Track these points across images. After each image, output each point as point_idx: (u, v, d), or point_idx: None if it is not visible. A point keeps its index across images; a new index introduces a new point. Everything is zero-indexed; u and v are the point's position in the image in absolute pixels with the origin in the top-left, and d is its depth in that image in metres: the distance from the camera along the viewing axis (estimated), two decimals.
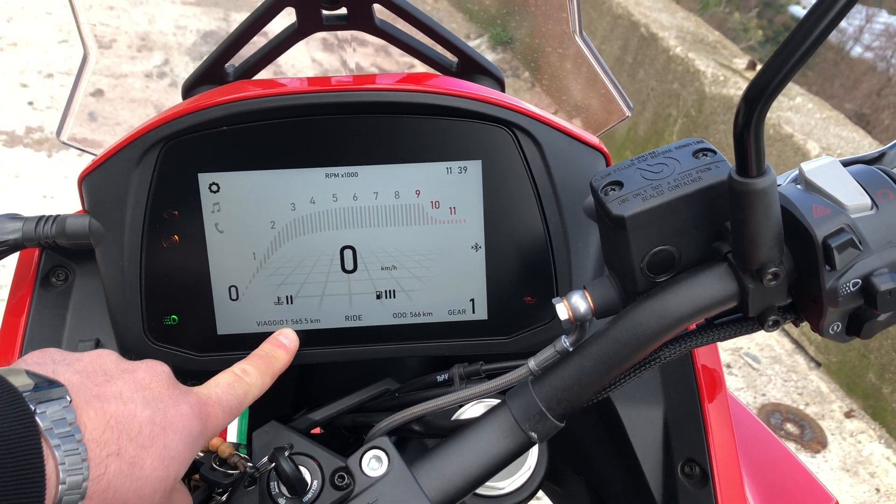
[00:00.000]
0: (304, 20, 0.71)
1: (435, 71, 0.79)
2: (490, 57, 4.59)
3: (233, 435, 0.76)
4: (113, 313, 0.70)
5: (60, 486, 0.43)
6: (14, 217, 0.71)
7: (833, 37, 6.65)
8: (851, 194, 0.52)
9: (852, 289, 0.50)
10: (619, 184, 0.55)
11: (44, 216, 0.70)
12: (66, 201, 3.05)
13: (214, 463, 0.67)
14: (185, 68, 3.78)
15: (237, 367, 0.61)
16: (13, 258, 0.75)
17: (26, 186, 3.12)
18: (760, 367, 2.89)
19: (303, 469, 0.67)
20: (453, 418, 0.71)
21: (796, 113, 3.23)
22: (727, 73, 3.49)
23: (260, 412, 0.72)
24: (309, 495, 0.62)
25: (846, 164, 0.57)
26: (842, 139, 3.07)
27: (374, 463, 0.58)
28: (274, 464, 0.65)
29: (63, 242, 0.70)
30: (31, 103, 3.58)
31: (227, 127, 0.66)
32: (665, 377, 0.73)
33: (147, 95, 3.60)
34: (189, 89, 0.76)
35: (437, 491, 0.57)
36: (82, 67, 0.78)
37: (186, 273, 0.69)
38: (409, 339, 0.72)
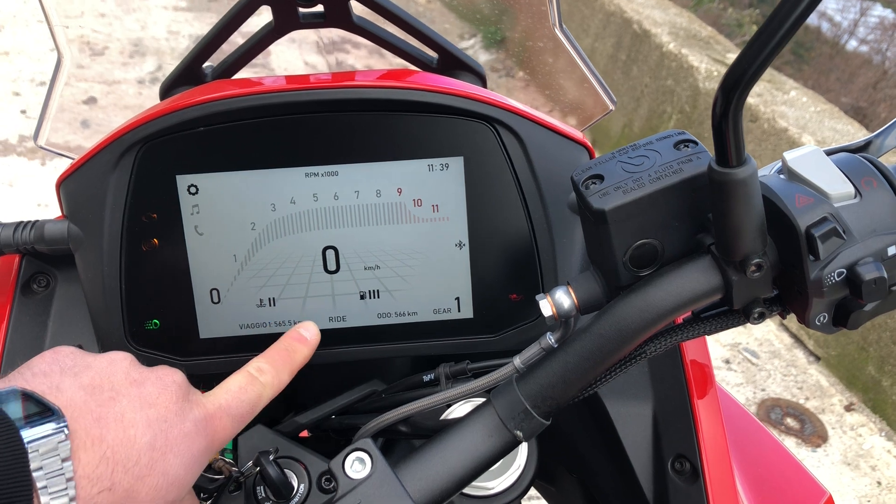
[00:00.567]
0: (281, 18, 0.71)
1: (415, 67, 0.78)
2: (483, 57, 4.59)
3: None
4: (94, 319, 0.70)
5: None
6: None
7: (828, 30, 6.64)
8: (835, 183, 0.51)
9: (837, 279, 0.50)
10: (600, 177, 0.54)
11: (22, 222, 0.69)
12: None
13: None
14: None
15: (252, 366, 0.60)
16: None
17: (21, 195, 3.11)
18: (759, 362, 2.88)
19: (289, 473, 0.66)
20: (441, 418, 0.70)
21: (791, 107, 3.22)
22: (721, 69, 3.49)
23: None
24: (295, 499, 0.61)
25: (830, 153, 0.56)
26: (837, 132, 3.06)
27: (357, 465, 0.57)
28: (259, 468, 0.64)
29: (42, 248, 0.69)
30: (23, 111, 3.58)
31: (205, 127, 0.65)
32: (654, 372, 0.73)
33: (140, 102, 3.60)
34: (167, 90, 0.75)
35: (421, 492, 0.56)
36: (56, 71, 0.77)
37: (167, 277, 0.68)
38: (394, 340, 0.71)
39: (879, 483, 2.46)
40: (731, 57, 3.66)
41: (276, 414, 0.80)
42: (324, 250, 0.69)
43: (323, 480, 0.64)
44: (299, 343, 0.64)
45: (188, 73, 0.74)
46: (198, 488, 0.65)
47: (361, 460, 0.58)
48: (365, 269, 0.69)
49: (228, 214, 0.67)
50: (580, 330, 0.55)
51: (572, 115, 0.87)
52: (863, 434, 2.62)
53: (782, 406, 2.70)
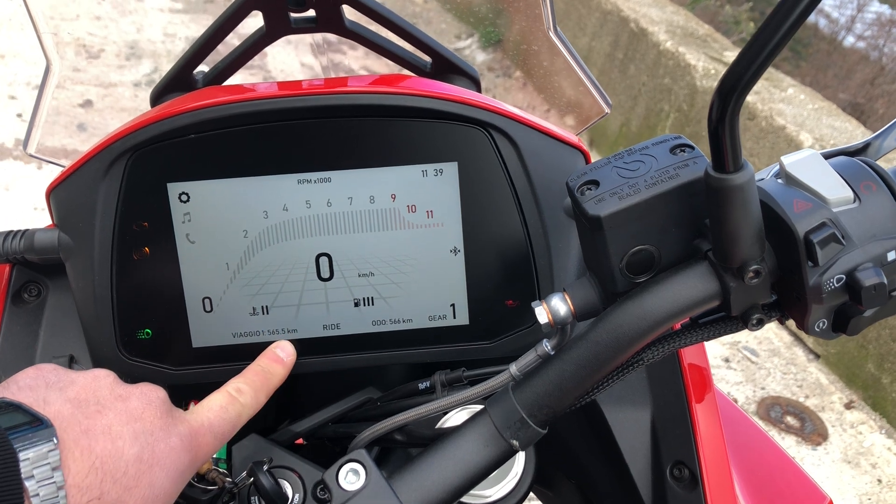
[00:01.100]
0: (272, 23, 0.70)
1: (409, 72, 0.78)
2: (481, 57, 4.59)
3: None
4: (86, 329, 0.69)
5: None
6: None
7: (825, 27, 6.64)
8: (833, 187, 0.50)
9: (836, 285, 0.49)
10: (596, 183, 0.53)
11: (12, 231, 0.69)
12: None
13: (193, 479, 0.65)
14: None
15: (231, 386, 0.60)
16: None
17: (17, 199, 3.10)
18: (759, 361, 2.88)
19: (283, 482, 0.66)
20: (437, 426, 0.69)
21: (788, 104, 3.22)
22: (719, 67, 3.48)
23: None
24: None
25: (828, 156, 0.55)
26: (835, 129, 3.06)
27: (351, 476, 0.57)
28: (253, 478, 0.64)
29: (32, 258, 0.68)
30: (19, 115, 3.57)
31: (196, 134, 0.65)
32: (652, 378, 0.72)
33: (136, 104, 3.59)
34: (157, 97, 0.74)
35: (416, 502, 0.55)
36: (45, 78, 0.76)
37: (159, 286, 0.67)
38: (389, 347, 0.71)
39: (880, 481, 2.45)
40: (729, 55, 3.65)
41: (270, 422, 0.80)
42: (317, 257, 0.68)
43: (318, 490, 0.63)
44: (276, 363, 0.65)
45: (179, 80, 0.73)
46: (192, 500, 0.64)
47: (355, 471, 0.57)
48: (359, 276, 0.69)
49: (220, 222, 0.66)
50: (577, 337, 0.54)
51: (568, 118, 0.86)
52: (863, 432, 2.61)
53: (782, 404, 2.70)
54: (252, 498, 0.64)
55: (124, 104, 3.61)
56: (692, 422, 0.68)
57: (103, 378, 0.53)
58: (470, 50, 4.66)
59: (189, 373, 0.69)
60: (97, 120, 3.45)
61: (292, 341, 0.69)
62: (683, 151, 0.53)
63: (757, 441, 0.84)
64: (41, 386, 0.49)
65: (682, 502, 0.66)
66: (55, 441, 0.44)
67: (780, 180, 0.53)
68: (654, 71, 3.75)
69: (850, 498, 2.39)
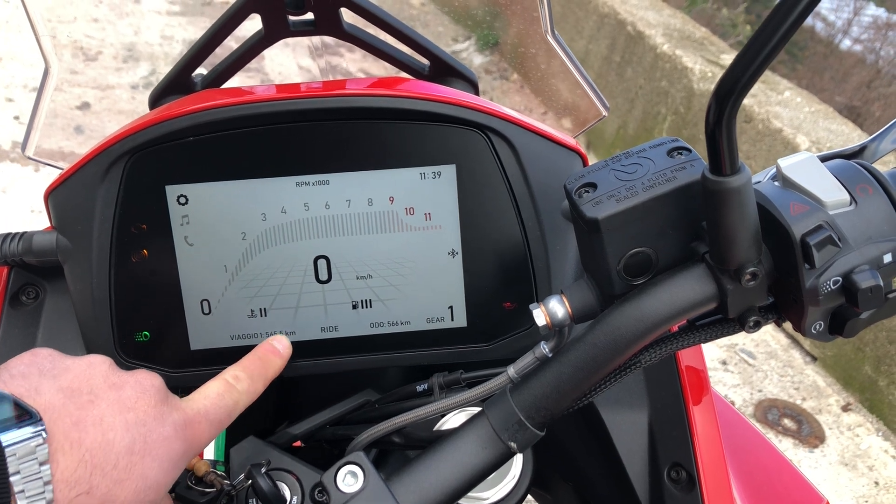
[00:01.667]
0: (271, 26, 0.70)
1: (407, 75, 0.78)
2: (478, 59, 4.59)
3: (210, 452, 0.74)
4: (84, 331, 0.69)
5: None
6: None
7: (822, 30, 6.66)
8: (829, 190, 0.51)
9: (833, 287, 0.49)
10: (593, 185, 0.53)
11: (9, 234, 0.69)
12: None
13: (190, 481, 0.65)
14: None
15: (229, 374, 0.60)
16: None
17: (14, 201, 3.10)
18: (756, 363, 2.88)
19: (282, 485, 0.66)
20: (435, 428, 0.70)
21: (785, 107, 3.22)
22: (715, 70, 3.49)
23: (238, 427, 0.70)
24: None
25: (824, 159, 0.55)
26: (831, 132, 3.06)
27: (349, 479, 0.57)
28: (251, 481, 0.64)
29: (30, 260, 0.68)
30: (17, 118, 3.56)
31: (194, 137, 0.65)
32: (649, 380, 0.72)
33: (134, 107, 3.59)
34: (156, 100, 0.74)
35: None
36: (44, 81, 0.76)
37: (157, 288, 0.68)
38: (387, 349, 0.71)
39: (877, 483, 2.45)
40: (726, 58, 3.66)
41: (268, 425, 0.80)
42: (315, 260, 0.68)
43: (316, 492, 0.63)
44: (273, 354, 0.65)
45: (178, 83, 0.73)
46: (189, 502, 0.64)
47: (354, 474, 0.57)
48: (357, 278, 0.69)
49: (218, 225, 0.66)
50: (574, 339, 0.55)
51: (565, 120, 0.86)
52: (860, 434, 2.62)
53: (779, 407, 2.70)
54: (250, 500, 0.64)
55: (122, 106, 3.61)
56: (689, 424, 0.69)
57: (98, 365, 0.52)
58: (467, 53, 4.66)
59: (187, 375, 0.69)
60: (94, 122, 3.45)
61: (291, 344, 0.70)
62: (680, 154, 0.54)
63: (754, 443, 0.84)
64: (34, 374, 0.49)
65: None
66: (44, 436, 0.44)
67: (776, 183, 0.53)
68: (651, 74, 3.75)
69: (847, 500, 2.40)
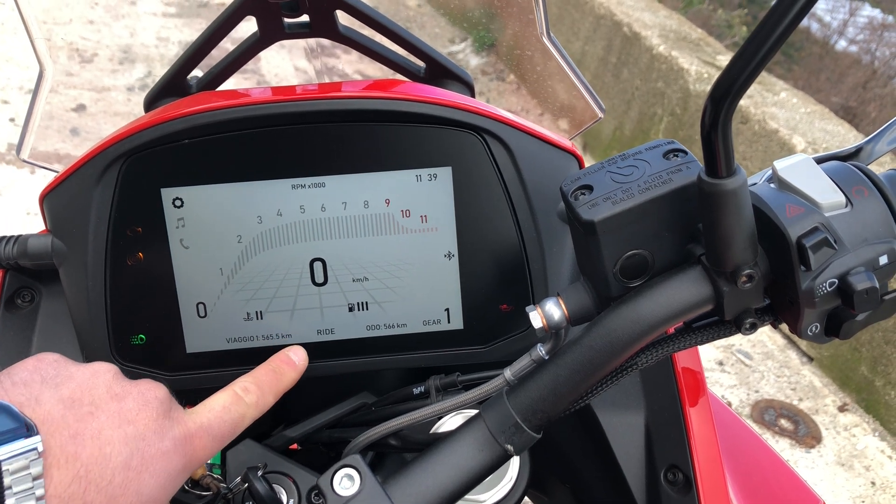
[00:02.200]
0: (266, 29, 0.70)
1: (403, 77, 0.78)
2: (475, 61, 4.59)
3: None
4: (79, 334, 0.69)
5: None
6: None
7: (817, 31, 6.67)
8: (825, 192, 0.51)
9: (829, 289, 0.49)
10: (589, 188, 0.53)
11: (5, 237, 0.69)
12: None
13: (186, 485, 0.65)
14: None
15: (239, 385, 0.59)
16: None
17: (9, 203, 3.09)
18: (753, 364, 2.88)
19: (278, 488, 0.66)
20: (432, 431, 0.69)
21: (781, 108, 3.23)
22: (711, 71, 3.49)
23: None
24: None
25: (820, 160, 0.55)
26: (827, 133, 3.07)
27: (345, 482, 0.57)
28: (247, 484, 0.64)
29: (25, 263, 0.68)
30: (12, 120, 3.56)
31: (190, 140, 0.65)
32: (646, 382, 0.72)
33: (130, 109, 3.58)
34: (151, 102, 0.74)
35: None
36: (39, 83, 0.76)
37: (152, 291, 0.67)
38: (383, 352, 0.71)
39: (874, 483, 2.46)
40: (722, 59, 3.67)
41: (265, 428, 0.79)
42: (311, 262, 0.68)
43: (312, 496, 0.63)
44: (287, 366, 0.64)
45: (173, 85, 0.73)
46: None
47: (350, 477, 0.57)
48: (353, 280, 0.69)
49: (214, 227, 0.66)
50: (571, 342, 0.55)
51: (561, 122, 0.86)
52: (856, 434, 2.62)
53: (776, 407, 2.70)
54: (246, 503, 0.64)
55: (118, 108, 3.60)
56: (686, 426, 0.69)
57: (102, 374, 0.51)
58: (464, 54, 4.66)
59: (183, 378, 0.69)
60: (90, 124, 3.44)
61: (287, 346, 0.69)
62: (676, 156, 0.54)
63: (751, 444, 0.84)
64: (36, 382, 0.48)
65: None
66: (39, 449, 0.43)
67: (772, 185, 0.53)
68: (648, 75, 3.76)
69: (844, 501, 2.40)
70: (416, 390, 0.71)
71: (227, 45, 0.73)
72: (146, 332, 0.68)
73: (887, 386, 2.62)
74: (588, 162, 0.64)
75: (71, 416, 0.47)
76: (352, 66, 3.93)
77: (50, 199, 0.67)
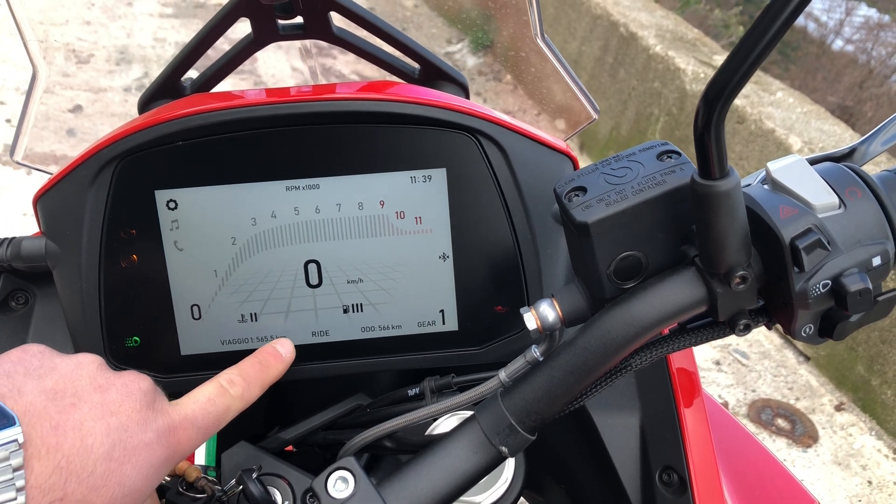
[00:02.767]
0: (260, 30, 0.70)
1: (397, 78, 0.78)
2: (471, 61, 4.59)
3: (201, 457, 0.74)
4: (74, 337, 0.69)
5: None
6: None
7: (814, 30, 6.68)
8: (819, 193, 0.51)
9: (822, 290, 0.49)
10: (583, 189, 0.53)
11: None
12: None
13: (181, 487, 0.65)
14: None
15: (224, 377, 0.59)
16: None
17: (5, 204, 3.09)
18: (750, 363, 2.89)
19: (273, 490, 0.66)
20: (427, 433, 0.69)
21: (777, 108, 3.23)
22: (708, 71, 3.50)
23: (229, 432, 0.70)
24: None
25: (814, 161, 0.55)
26: (823, 133, 3.07)
27: (339, 484, 0.57)
28: (242, 486, 0.63)
29: (19, 266, 0.68)
30: (8, 121, 3.55)
31: (184, 142, 0.65)
32: (640, 383, 0.72)
33: (126, 110, 3.58)
34: (145, 104, 0.74)
35: None
36: (32, 85, 0.76)
37: (147, 293, 0.67)
38: (378, 353, 0.71)
39: (870, 482, 2.46)
40: (718, 59, 3.67)
41: (260, 430, 0.79)
42: (306, 264, 0.68)
43: (307, 498, 0.63)
44: (274, 359, 0.64)
45: (167, 87, 0.73)
46: None
47: (344, 479, 0.57)
48: (348, 282, 0.68)
49: (208, 229, 0.66)
50: (565, 343, 0.55)
51: (559, 121, 0.86)
52: (853, 433, 2.62)
53: (773, 407, 2.71)
54: None
55: (114, 109, 3.60)
56: (681, 426, 0.69)
57: (87, 365, 0.51)
58: (460, 54, 4.66)
59: (177, 380, 0.69)
60: (87, 125, 3.44)
61: None
62: (670, 158, 0.54)
63: (746, 445, 0.84)
64: (20, 373, 0.48)
65: None
66: (20, 441, 0.44)
67: (766, 186, 0.53)
68: (644, 75, 3.76)
69: (840, 500, 2.40)
70: (411, 392, 0.71)
71: (224, 45, 0.73)
72: (140, 334, 0.68)
73: (884, 385, 2.63)
74: (585, 162, 0.64)
75: (53, 407, 0.47)
76: (349, 67, 3.93)
77: (44, 202, 0.67)
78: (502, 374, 0.57)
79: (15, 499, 0.42)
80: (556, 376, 0.54)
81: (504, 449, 0.56)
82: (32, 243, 0.67)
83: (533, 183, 0.67)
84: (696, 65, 3.54)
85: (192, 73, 0.76)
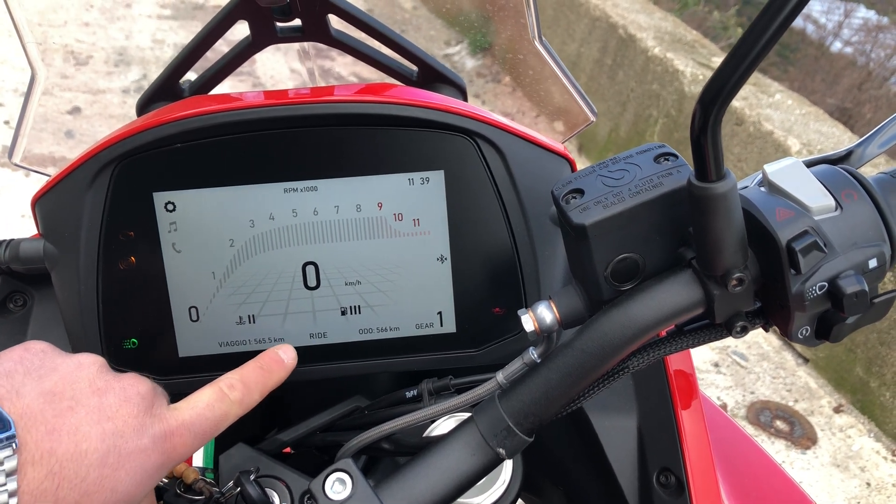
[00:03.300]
0: (258, 33, 0.70)
1: (395, 81, 0.78)
2: (470, 63, 4.59)
3: (199, 459, 0.74)
4: (71, 338, 0.69)
5: None
6: None
7: (812, 32, 6.69)
8: (815, 196, 0.51)
9: (819, 292, 0.49)
10: (581, 191, 0.54)
11: None
12: None
13: (179, 489, 0.65)
14: None
15: (224, 381, 0.58)
16: None
17: (3, 206, 3.09)
18: (748, 365, 2.89)
19: (271, 492, 0.66)
20: (425, 435, 0.69)
21: (776, 110, 3.23)
22: (706, 73, 3.50)
23: (227, 434, 0.70)
24: None
25: (810, 164, 0.56)
26: (822, 135, 3.08)
27: (337, 486, 0.57)
28: (240, 488, 0.63)
29: (17, 267, 0.68)
30: (6, 122, 3.55)
31: (182, 144, 0.65)
32: (638, 384, 0.72)
33: (125, 111, 3.58)
34: (143, 106, 0.74)
35: None
36: (31, 88, 0.76)
37: (145, 295, 0.67)
38: (376, 355, 0.71)
39: (869, 484, 2.46)
40: (717, 60, 3.67)
41: (258, 431, 0.79)
42: (304, 266, 0.68)
43: (305, 499, 0.63)
44: (276, 364, 0.63)
45: (165, 89, 0.73)
46: None
47: (342, 481, 0.57)
48: (346, 284, 0.69)
49: (206, 231, 0.66)
50: (563, 345, 0.55)
51: (558, 123, 0.86)
52: (852, 435, 2.63)
53: (771, 408, 2.71)
54: None
55: (113, 111, 3.60)
56: (678, 428, 0.69)
57: (87, 367, 0.51)
58: (459, 56, 4.67)
59: (175, 382, 0.69)
60: (85, 126, 3.44)
61: None
62: (667, 160, 0.54)
63: (743, 447, 0.84)
64: (19, 373, 0.48)
65: None
66: (14, 446, 0.43)
67: (762, 189, 0.53)
68: (643, 77, 3.76)
69: (839, 502, 2.40)
70: (409, 394, 0.71)
71: (222, 47, 0.73)
72: (138, 336, 0.68)
73: (882, 387, 2.63)
74: (584, 164, 0.64)
75: (50, 410, 0.47)
76: (347, 69, 3.93)
77: (42, 204, 0.67)
78: (500, 376, 0.58)
79: (6, 503, 0.42)
80: (553, 378, 0.54)
81: (502, 451, 0.56)
82: (31, 245, 0.67)
83: (530, 185, 0.68)
84: (695, 67, 3.54)
85: (191, 76, 0.77)
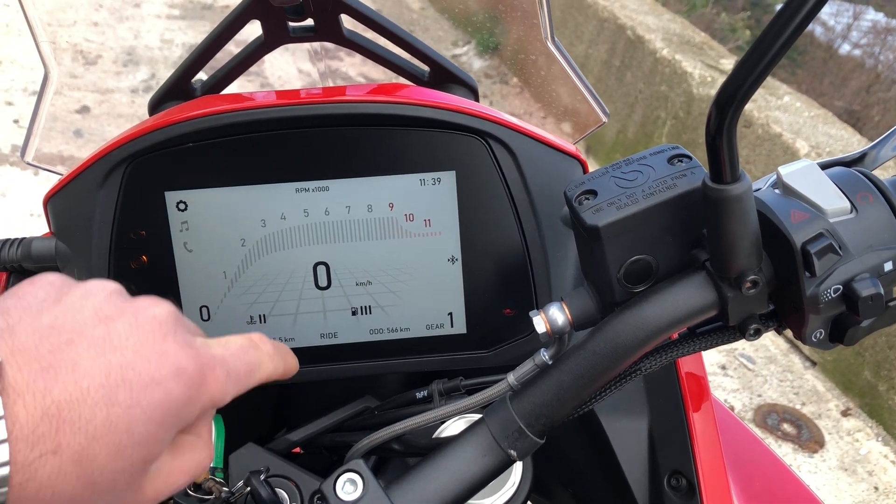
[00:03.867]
0: (271, 32, 0.70)
1: (407, 81, 0.78)
2: (478, 64, 4.59)
3: None
4: None
5: None
6: None
7: (821, 35, 6.67)
8: (830, 198, 0.51)
9: (833, 295, 0.49)
10: (593, 192, 0.53)
11: (8, 239, 0.69)
12: None
13: (189, 488, 0.65)
14: None
15: (254, 335, 0.52)
16: None
17: (13, 205, 3.10)
18: (756, 368, 2.88)
19: (281, 492, 0.66)
20: (435, 436, 0.69)
21: (784, 112, 3.22)
22: (715, 74, 3.49)
23: (237, 434, 0.70)
24: None
25: (825, 166, 0.55)
26: (831, 137, 3.06)
27: (348, 486, 0.56)
28: (250, 488, 0.63)
29: (29, 266, 0.68)
30: (16, 121, 3.56)
31: (194, 143, 0.65)
32: (649, 387, 0.72)
33: (134, 111, 3.59)
34: (155, 106, 0.74)
35: None
36: (43, 87, 0.76)
37: (156, 294, 0.67)
38: (386, 356, 0.71)
39: (876, 488, 2.45)
40: (725, 62, 3.66)
41: (267, 431, 0.79)
42: (315, 266, 0.68)
43: (315, 500, 0.63)
44: (288, 354, 0.57)
45: (177, 88, 0.73)
46: None
47: (353, 481, 0.57)
48: (356, 284, 0.69)
49: (218, 231, 0.66)
50: (574, 347, 0.54)
51: (565, 125, 0.86)
52: (859, 439, 2.61)
53: (779, 412, 2.70)
54: None
55: (121, 110, 3.61)
56: (689, 431, 0.68)
57: (95, 294, 0.44)
58: (467, 57, 4.67)
59: None
60: (94, 126, 3.45)
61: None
62: (681, 162, 0.53)
63: (754, 450, 0.84)
64: (18, 308, 0.42)
65: None
66: None
67: (777, 191, 0.53)
68: (651, 78, 3.76)
69: None
70: (420, 394, 0.71)
71: (232, 48, 0.73)
72: None
73: (891, 391, 2.62)
74: (591, 165, 0.64)
75: (45, 346, 0.40)
76: (355, 69, 3.93)
77: (54, 202, 0.67)
78: (511, 378, 0.57)
79: None
80: (565, 380, 0.54)
81: (513, 452, 0.56)
82: (42, 244, 0.68)
83: (542, 186, 0.67)
84: (703, 68, 3.53)
85: (203, 75, 0.77)
